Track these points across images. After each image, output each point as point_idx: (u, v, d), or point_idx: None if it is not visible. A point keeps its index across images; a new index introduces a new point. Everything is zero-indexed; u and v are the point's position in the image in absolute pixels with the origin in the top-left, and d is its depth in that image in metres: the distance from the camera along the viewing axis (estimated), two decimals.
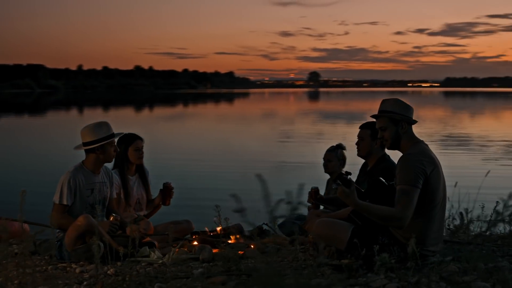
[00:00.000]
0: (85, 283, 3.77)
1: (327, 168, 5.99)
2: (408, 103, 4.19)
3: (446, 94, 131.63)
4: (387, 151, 4.85)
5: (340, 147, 6.02)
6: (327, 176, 6.07)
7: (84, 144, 4.91)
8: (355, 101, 72.26)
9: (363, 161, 5.33)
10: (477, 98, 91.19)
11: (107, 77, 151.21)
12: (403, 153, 4.12)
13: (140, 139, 5.65)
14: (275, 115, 39.26)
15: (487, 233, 5.05)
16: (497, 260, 4.05)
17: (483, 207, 5.20)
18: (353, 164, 5.65)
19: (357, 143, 5.29)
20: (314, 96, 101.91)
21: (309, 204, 5.45)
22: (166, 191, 5.80)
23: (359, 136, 5.29)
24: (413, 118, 4.23)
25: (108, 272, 4.00)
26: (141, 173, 5.74)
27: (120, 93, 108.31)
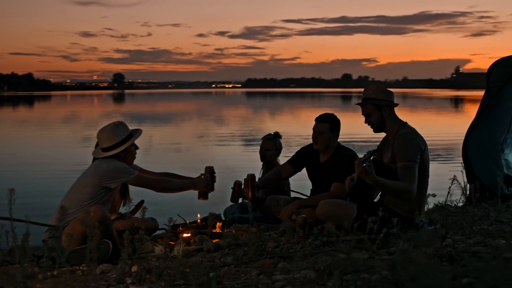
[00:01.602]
0: (129, 281, 3.44)
1: (265, 157, 5.98)
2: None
3: (248, 94, 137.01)
4: None
5: (277, 136, 6.04)
6: None
7: (105, 149, 4.65)
8: (162, 103, 72.19)
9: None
10: (277, 98, 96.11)
11: None
12: (393, 134, 4.52)
13: None
14: (78, 119, 37.78)
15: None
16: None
17: None
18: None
19: (314, 136, 5.31)
20: (119, 98, 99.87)
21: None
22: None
23: (316, 129, 5.31)
24: (394, 102, 4.60)
25: (132, 269, 3.68)
26: None
27: None
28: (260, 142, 6.16)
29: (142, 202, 5.38)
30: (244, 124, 29.60)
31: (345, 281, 2.87)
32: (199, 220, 5.31)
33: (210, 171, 5.03)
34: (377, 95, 4.58)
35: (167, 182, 4.83)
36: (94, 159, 4.83)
